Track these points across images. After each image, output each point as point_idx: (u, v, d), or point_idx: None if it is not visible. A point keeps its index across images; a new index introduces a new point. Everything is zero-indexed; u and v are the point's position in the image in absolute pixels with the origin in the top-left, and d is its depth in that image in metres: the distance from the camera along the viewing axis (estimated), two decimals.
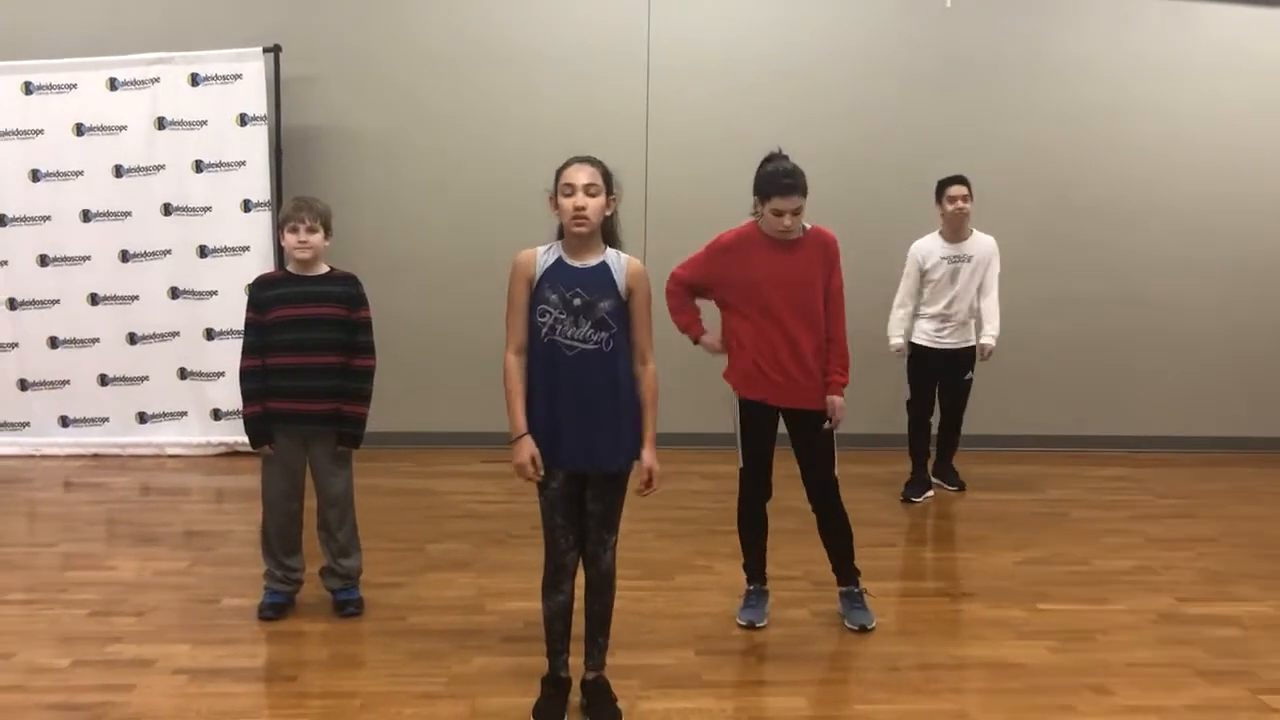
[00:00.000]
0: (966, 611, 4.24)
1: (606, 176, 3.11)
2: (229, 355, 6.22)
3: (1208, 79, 6.98)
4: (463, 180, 6.79)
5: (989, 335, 5.76)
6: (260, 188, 6.46)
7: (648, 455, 3.17)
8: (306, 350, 3.94)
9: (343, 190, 6.71)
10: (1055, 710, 3.39)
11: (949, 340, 5.75)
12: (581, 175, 3.06)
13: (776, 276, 3.82)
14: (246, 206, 6.48)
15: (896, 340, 5.79)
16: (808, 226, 3.89)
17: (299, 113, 6.64)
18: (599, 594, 3.26)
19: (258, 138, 6.44)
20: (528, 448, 3.08)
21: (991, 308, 5.76)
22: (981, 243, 5.76)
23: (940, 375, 5.82)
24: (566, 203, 3.05)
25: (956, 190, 5.65)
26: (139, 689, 3.44)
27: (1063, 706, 3.42)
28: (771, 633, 3.97)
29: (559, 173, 3.11)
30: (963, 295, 5.72)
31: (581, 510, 3.19)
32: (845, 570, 4.09)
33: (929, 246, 5.75)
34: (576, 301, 3.05)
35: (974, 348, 5.83)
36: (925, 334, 5.77)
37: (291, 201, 4.09)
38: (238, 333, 6.40)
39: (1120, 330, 7.09)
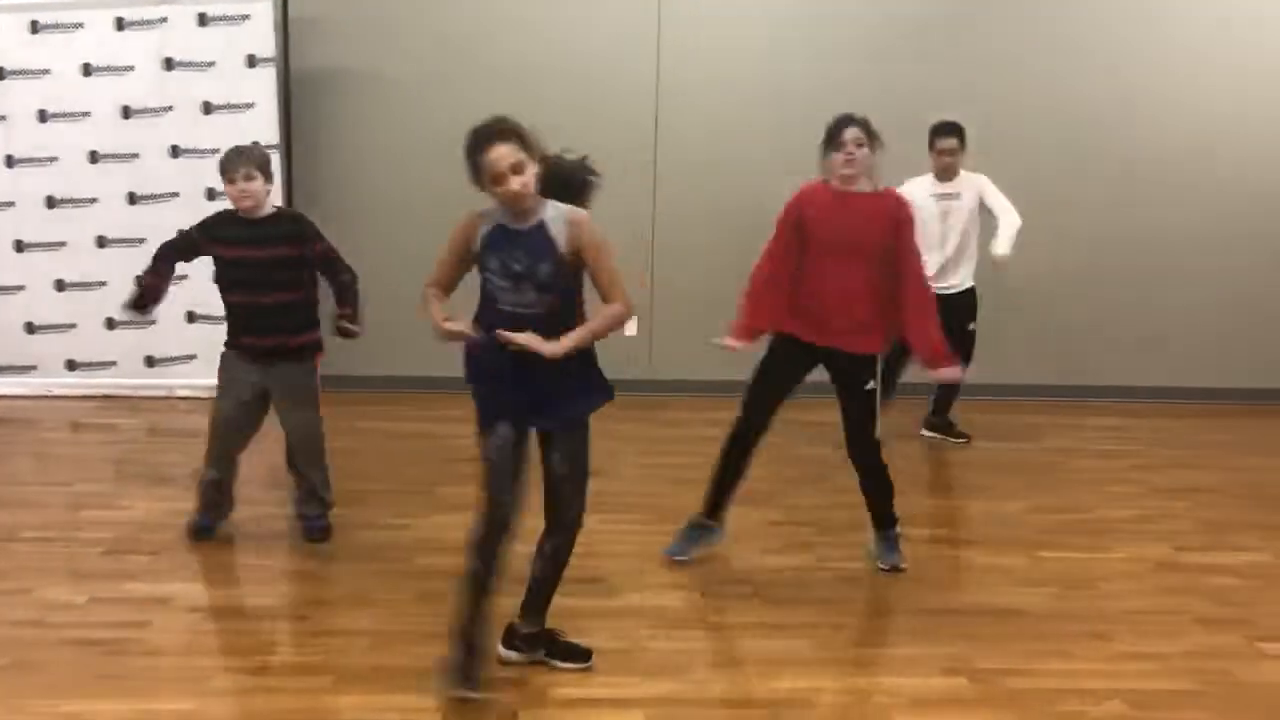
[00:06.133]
0: (967, 558, 4.29)
1: (526, 140, 2.92)
2: None
3: (1249, 28, 6.85)
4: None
5: (1003, 242, 5.65)
6: (269, 130, 6.44)
7: (552, 343, 2.92)
8: (257, 289, 4.05)
9: (353, 133, 6.71)
10: (1054, 655, 3.45)
11: (949, 281, 5.71)
12: (504, 158, 2.87)
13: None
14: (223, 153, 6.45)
15: None
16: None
17: (307, 55, 6.60)
18: (563, 550, 3.21)
19: (266, 80, 6.40)
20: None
21: (1008, 220, 5.70)
22: (970, 180, 5.79)
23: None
24: (500, 189, 2.89)
25: (944, 143, 5.70)
26: (154, 625, 3.51)
27: (1062, 652, 3.47)
28: (776, 576, 4.03)
29: (478, 157, 2.90)
30: (954, 233, 5.74)
31: (523, 467, 3.07)
32: (881, 517, 4.12)
33: (915, 188, 5.70)
34: (516, 268, 2.94)
35: (973, 291, 5.84)
36: None
37: (227, 151, 4.09)
38: None
39: (1120, 282, 7.02)
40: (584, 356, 3.05)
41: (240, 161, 4.00)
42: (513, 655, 3.30)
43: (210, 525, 4.28)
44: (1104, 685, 3.27)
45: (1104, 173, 6.92)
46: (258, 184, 4.01)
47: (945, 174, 5.76)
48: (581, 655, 3.29)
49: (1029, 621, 3.71)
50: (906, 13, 6.73)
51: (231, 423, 4.19)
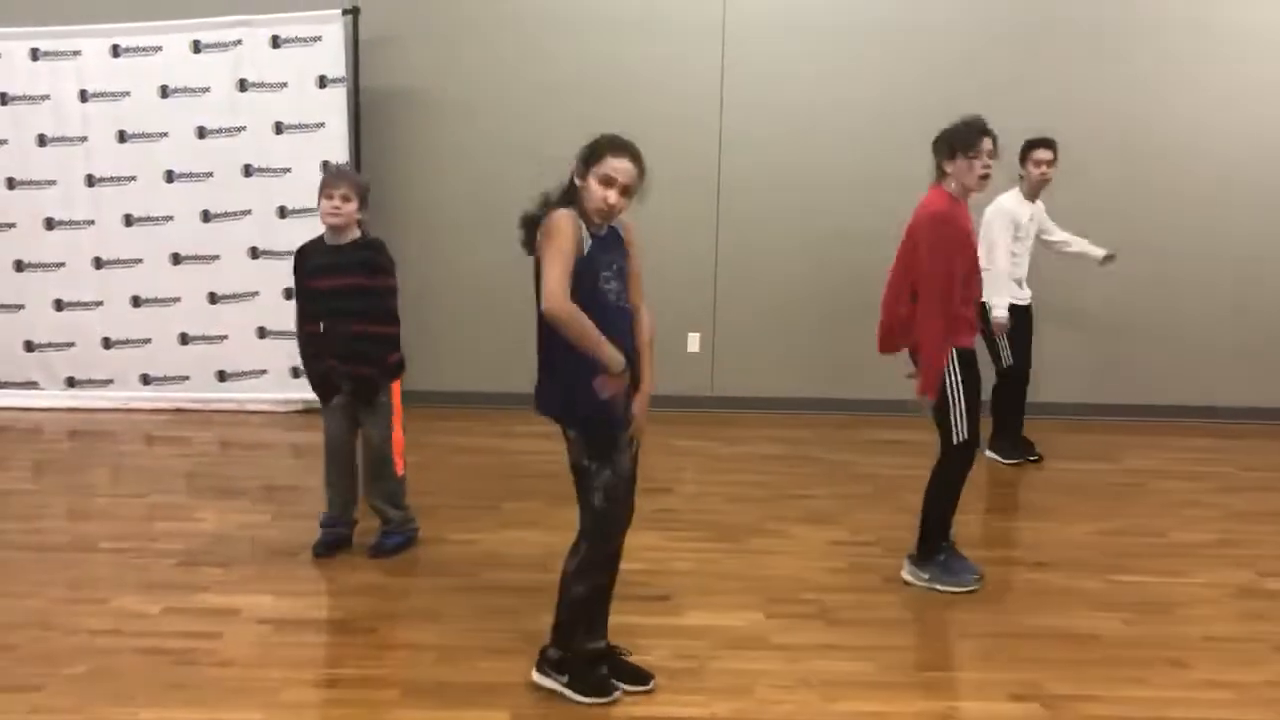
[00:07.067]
0: (1041, 581, 4.20)
1: (643, 175, 3.03)
2: None
3: None
4: (541, 141, 6.77)
5: (1095, 247, 5.96)
6: (339, 149, 6.54)
7: (638, 404, 3.13)
8: (338, 316, 4.14)
9: (421, 152, 6.79)
10: (1129, 682, 3.36)
11: (1028, 295, 5.78)
12: (627, 173, 2.97)
13: None
14: (326, 168, 6.56)
15: (1002, 312, 5.49)
16: None
17: (377, 75, 6.71)
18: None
19: (337, 100, 6.51)
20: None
21: (1074, 238, 5.97)
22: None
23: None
24: (602, 192, 2.96)
25: (1043, 154, 5.57)
26: (225, 637, 3.56)
27: (1137, 679, 3.38)
28: (841, 597, 3.98)
29: (601, 154, 2.98)
30: (1029, 253, 5.78)
31: None
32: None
33: (1015, 207, 5.61)
34: (615, 267, 3.09)
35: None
36: (1014, 295, 5.66)
37: (333, 168, 4.24)
38: None
39: (1205, 299, 6.90)
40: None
41: (341, 182, 4.14)
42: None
43: (327, 545, 4.33)
44: (1182, 714, 3.18)
45: (1183, 190, 6.80)
46: (351, 206, 4.11)
47: (1037, 192, 5.68)
48: (643, 678, 3.27)
49: (1103, 647, 3.62)
50: (974, 36, 6.69)
51: (334, 437, 4.32)
